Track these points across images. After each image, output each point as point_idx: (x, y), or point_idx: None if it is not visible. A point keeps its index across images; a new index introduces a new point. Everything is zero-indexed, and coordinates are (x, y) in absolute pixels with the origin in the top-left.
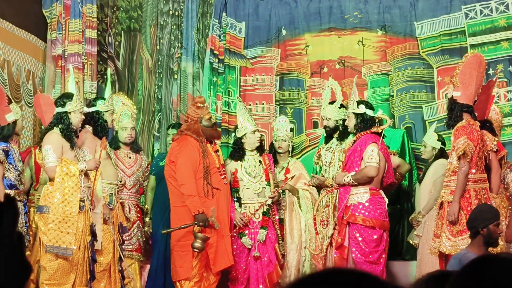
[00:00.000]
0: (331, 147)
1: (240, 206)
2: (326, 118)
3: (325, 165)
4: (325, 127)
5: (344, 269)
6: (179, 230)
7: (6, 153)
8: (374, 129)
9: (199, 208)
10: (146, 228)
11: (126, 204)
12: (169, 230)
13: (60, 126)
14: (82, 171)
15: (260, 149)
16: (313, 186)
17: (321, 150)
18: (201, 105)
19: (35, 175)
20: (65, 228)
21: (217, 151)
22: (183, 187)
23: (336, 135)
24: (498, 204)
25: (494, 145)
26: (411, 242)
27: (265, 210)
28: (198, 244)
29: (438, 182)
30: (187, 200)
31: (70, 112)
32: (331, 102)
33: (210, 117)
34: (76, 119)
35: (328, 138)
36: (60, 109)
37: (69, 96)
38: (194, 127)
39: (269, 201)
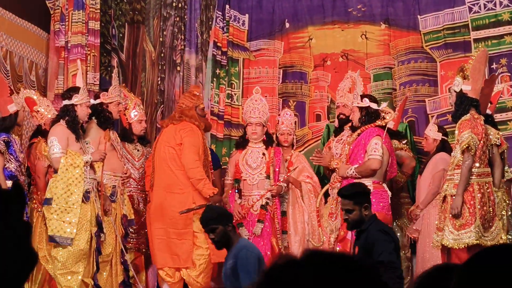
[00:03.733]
0: (342, 139)
1: (240, 197)
2: (343, 105)
3: (336, 157)
4: (339, 114)
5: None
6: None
7: (7, 144)
8: (378, 123)
9: (213, 189)
10: None
11: (135, 197)
12: (184, 210)
13: (66, 118)
14: (87, 162)
15: (268, 142)
16: (315, 163)
17: (331, 143)
18: (198, 94)
19: None
20: (66, 218)
21: None
22: (192, 171)
23: (347, 127)
24: (500, 198)
25: (497, 139)
26: (410, 235)
27: (263, 204)
28: None
29: (436, 177)
30: (198, 184)
31: (76, 105)
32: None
33: (204, 107)
34: (82, 112)
35: (339, 130)
36: (67, 102)
37: (75, 89)
38: (191, 113)
39: (268, 194)
